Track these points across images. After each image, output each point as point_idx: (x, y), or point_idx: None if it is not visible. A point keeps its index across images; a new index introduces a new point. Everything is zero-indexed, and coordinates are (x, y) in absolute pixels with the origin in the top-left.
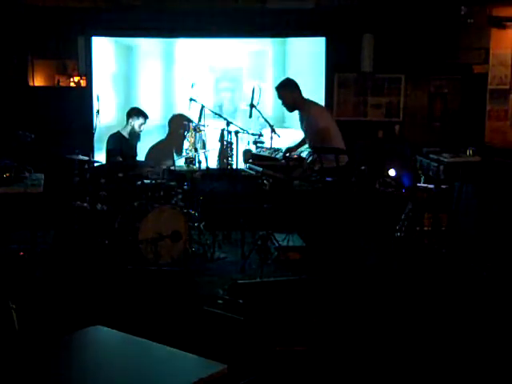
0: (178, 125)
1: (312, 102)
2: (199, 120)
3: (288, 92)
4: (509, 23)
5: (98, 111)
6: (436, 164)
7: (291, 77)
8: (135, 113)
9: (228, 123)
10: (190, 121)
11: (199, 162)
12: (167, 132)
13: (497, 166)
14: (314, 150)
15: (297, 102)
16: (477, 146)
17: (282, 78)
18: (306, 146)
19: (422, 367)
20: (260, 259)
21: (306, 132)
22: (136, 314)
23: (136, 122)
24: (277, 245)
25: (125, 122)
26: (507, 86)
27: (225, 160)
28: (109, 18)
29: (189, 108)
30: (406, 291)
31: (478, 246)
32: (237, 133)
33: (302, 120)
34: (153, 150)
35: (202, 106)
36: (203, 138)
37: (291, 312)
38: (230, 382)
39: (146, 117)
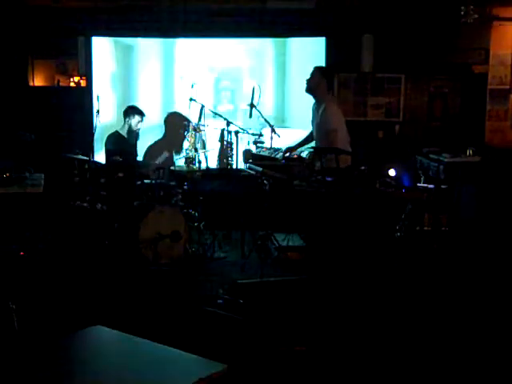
0: (174, 123)
1: (333, 100)
2: (199, 120)
3: (318, 77)
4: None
5: (98, 111)
6: (436, 164)
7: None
8: (131, 111)
9: (228, 123)
10: (186, 119)
11: (199, 162)
12: (164, 131)
13: (497, 166)
14: (315, 150)
15: (318, 90)
16: (477, 146)
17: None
18: (307, 146)
19: (422, 367)
20: (260, 259)
21: (316, 127)
22: (136, 313)
23: (133, 121)
24: (277, 245)
25: (123, 122)
26: (507, 86)
27: (225, 160)
28: (109, 18)
29: (189, 108)
30: (406, 291)
31: (478, 246)
32: (237, 133)
33: (314, 112)
34: (150, 150)
35: (202, 106)
36: (203, 138)
37: (291, 312)
38: (229, 382)
39: (142, 114)
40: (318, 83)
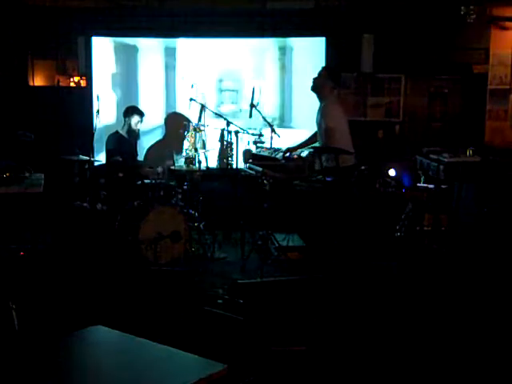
0: (175, 123)
1: (335, 100)
2: (199, 120)
3: (324, 77)
4: (508, 23)
5: (97, 111)
6: (436, 164)
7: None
8: (130, 111)
9: (228, 123)
10: (186, 119)
11: (199, 162)
12: (164, 131)
13: (497, 166)
14: (315, 149)
15: (322, 90)
16: (477, 146)
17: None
18: (308, 146)
19: (422, 367)
20: (260, 259)
21: (318, 126)
22: (136, 313)
23: (132, 120)
24: (277, 245)
25: (123, 122)
26: (507, 86)
27: (225, 160)
28: (109, 18)
29: (189, 108)
30: (405, 291)
31: (478, 246)
32: (237, 133)
33: (318, 111)
34: (151, 150)
35: (202, 106)
36: (203, 138)
37: (291, 312)
38: (229, 382)
39: (141, 114)
40: (323, 83)
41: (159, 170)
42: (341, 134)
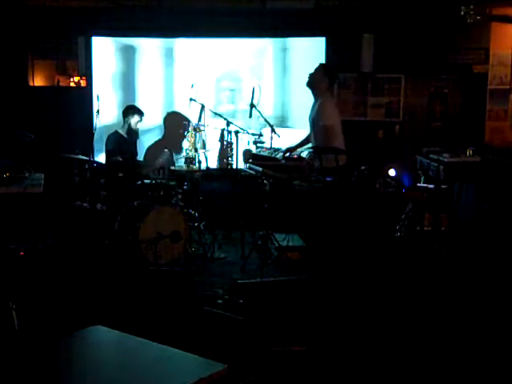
0: (174, 123)
1: (331, 98)
2: (199, 120)
3: (321, 73)
4: (508, 23)
5: (98, 111)
6: (436, 164)
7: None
8: (131, 111)
9: (228, 123)
10: (185, 119)
11: (199, 162)
12: (163, 131)
13: (497, 166)
14: (314, 149)
15: (318, 86)
16: (477, 146)
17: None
18: (307, 146)
19: (422, 366)
20: (260, 259)
21: (311, 123)
22: (136, 314)
23: (132, 120)
24: (277, 245)
25: (122, 122)
26: (507, 86)
27: (225, 160)
28: (109, 18)
29: (189, 108)
30: (405, 291)
31: (478, 246)
32: (237, 133)
33: (312, 109)
34: (150, 150)
35: (202, 106)
36: (203, 138)
37: (291, 312)
38: (229, 382)
39: (141, 114)
40: (319, 79)
41: (160, 161)
42: (337, 132)
